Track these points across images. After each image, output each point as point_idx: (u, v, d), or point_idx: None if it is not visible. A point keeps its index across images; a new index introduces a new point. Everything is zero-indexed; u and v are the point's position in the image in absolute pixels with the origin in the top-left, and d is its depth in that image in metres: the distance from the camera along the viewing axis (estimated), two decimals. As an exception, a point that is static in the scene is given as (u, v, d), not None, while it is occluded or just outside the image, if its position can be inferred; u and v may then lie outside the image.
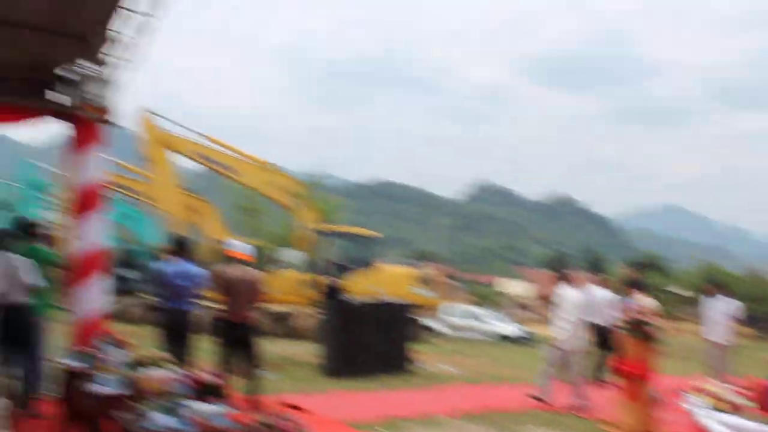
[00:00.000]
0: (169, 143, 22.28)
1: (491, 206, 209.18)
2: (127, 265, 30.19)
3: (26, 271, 7.98)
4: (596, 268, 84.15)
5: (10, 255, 8.00)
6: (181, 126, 22.90)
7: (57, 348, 8.17)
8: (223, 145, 22.98)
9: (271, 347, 14.62)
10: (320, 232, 22.18)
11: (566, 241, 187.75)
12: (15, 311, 7.86)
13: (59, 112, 8.40)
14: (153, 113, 22.61)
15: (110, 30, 7.30)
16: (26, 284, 7.96)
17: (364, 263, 23.02)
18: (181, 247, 9.23)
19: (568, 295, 10.92)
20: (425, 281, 24.56)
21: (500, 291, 73.39)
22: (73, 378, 6.75)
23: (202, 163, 22.93)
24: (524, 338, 30.96)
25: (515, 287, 74.34)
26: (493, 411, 10.28)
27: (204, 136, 22.82)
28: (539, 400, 11.00)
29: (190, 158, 22.76)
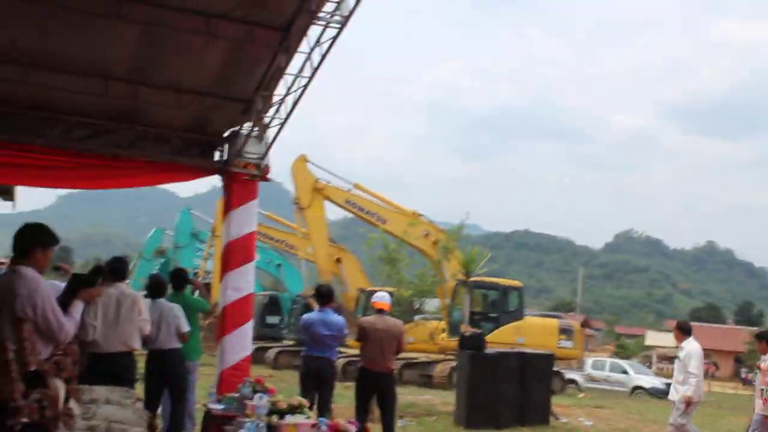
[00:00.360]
0: (322, 190, 23.09)
1: (634, 255, 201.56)
2: (271, 312, 31.24)
3: (178, 317, 8.42)
4: (750, 320, 79.12)
5: (164, 302, 8.49)
6: (333, 174, 23.68)
7: (203, 391, 8.57)
8: (371, 194, 23.59)
9: (407, 395, 14.67)
10: (461, 282, 22.16)
11: (715, 291, 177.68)
12: (165, 356, 8.31)
13: (219, 169, 8.97)
14: (307, 161, 23.48)
15: (269, 93, 7.83)
16: (177, 330, 8.39)
17: (505, 313, 22.76)
18: (325, 296, 9.46)
19: (693, 349, 10.30)
20: (567, 332, 24.01)
21: (645, 343, 70.35)
22: (217, 421, 7.00)
23: (351, 211, 23.61)
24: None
25: (661, 339, 71.04)
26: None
27: (353, 184, 23.56)
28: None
29: (341, 206, 23.50)
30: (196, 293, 9.95)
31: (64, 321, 4.58)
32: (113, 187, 9.72)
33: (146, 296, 8.30)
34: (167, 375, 8.31)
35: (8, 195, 12.05)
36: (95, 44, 6.96)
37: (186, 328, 8.46)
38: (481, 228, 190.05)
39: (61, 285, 8.79)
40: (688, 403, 10.08)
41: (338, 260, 26.20)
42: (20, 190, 12.11)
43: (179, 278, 9.29)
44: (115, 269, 7.46)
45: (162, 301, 8.48)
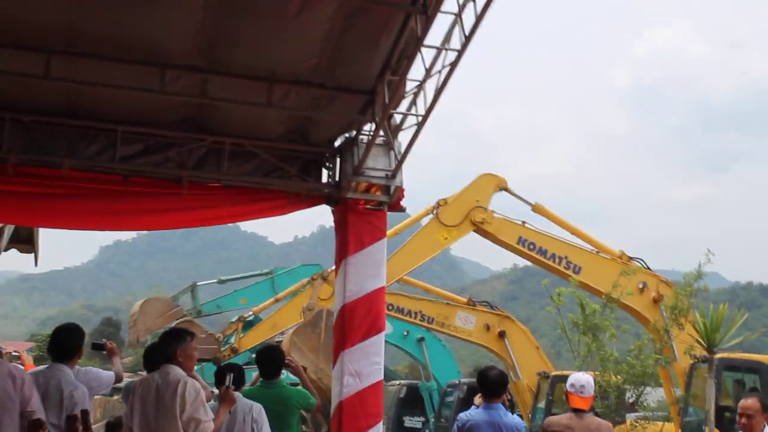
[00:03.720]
0: (482, 223, 22.77)
1: None
2: (411, 410, 31.21)
3: (260, 422, 8.37)
4: None
5: (241, 399, 8.45)
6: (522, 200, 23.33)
7: None
8: (560, 223, 23.23)
9: None
10: (700, 360, 21.30)
11: None
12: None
13: (328, 196, 9.08)
14: (504, 187, 23.22)
15: (401, 78, 7.76)
16: None
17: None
18: (494, 385, 9.22)
19: None
20: None
21: None
22: None
23: (525, 255, 23.24)
24: None
25: None
26: None
27: (532, 205, 23.18)
28: None
29: (510, 247, 23.15)
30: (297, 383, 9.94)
31: None
32: (176, 226, 9.93)
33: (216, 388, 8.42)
34: None
35: (28, 246, 12.27)
36: (143, 18, 7.09)
37: None
38: (724, 278, 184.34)
39: (102, 372, 9.08)
40: None
41: (501, 334, 25.91)
42: (46, 238, 12.37)
43: (271, 359, 9.31)
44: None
45: (236, 396, 8.43)
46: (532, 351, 26.43)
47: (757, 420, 8.69)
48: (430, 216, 22.66)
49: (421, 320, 27.36)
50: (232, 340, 25.92)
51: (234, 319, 27.08)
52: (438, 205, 22.55)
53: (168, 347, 7.64)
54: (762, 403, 8.84)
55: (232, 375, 8.01)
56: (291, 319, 25.90)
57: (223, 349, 24.99)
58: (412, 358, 33.93)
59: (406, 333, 30.57)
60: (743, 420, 8.73)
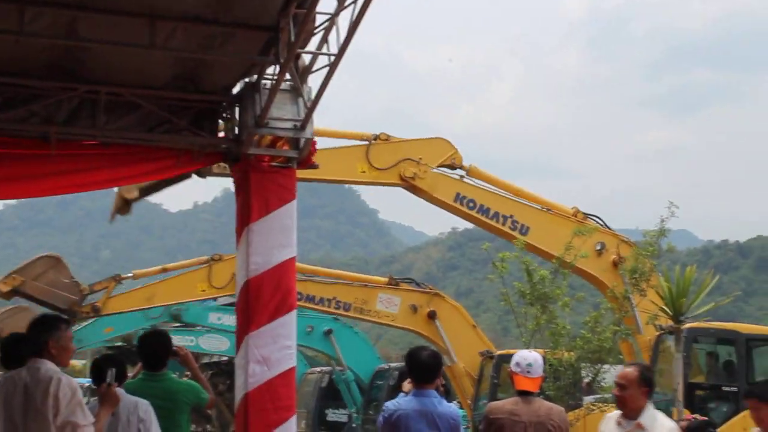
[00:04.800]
0: (413, 178, 22.61)
1: None
2: (336, 400, 31.32)
3: (148, 422, 8.28)
4: None
5: (124, 396, 8.30)
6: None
7: None
8: (499, 184, 23.24)
9: None
10: (667, 331, 21.46)
11: None
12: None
13: (226, 152, 9.00)
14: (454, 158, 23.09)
15: (309, 11, 7.65)
16: None
17: (752, 385, 22.05)
18: (425, 369, 9.17)
19: None
20: None
21: None
22: None
23: (466, 215, 23.21)
24: None
25: None
26: None
27: (467, 167, 23.10)
28: None
29: (447, 206, 23.09)
30: (186, 375, 9.86)
31: None
32: (45, 193, 9.78)
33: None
34: None
35: None
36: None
37: None
38: (696, 236, 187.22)
39: None
40: None
41: (430, 315, 26.02)
42: None
43: (156, 347, 9.18)
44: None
45: (121, 393, 8.29)
46: (467, 330, 26.57)
47: (630, 392, 8.56)
48: (363, 143, 22.46)
49: (336, 308, 27.12)
50: (99, 297, 25.53)
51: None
52: (376, 137, 22.34)
53: (37, 337, 7.42)
54: (642, 375, 8.70)
55: (114, 370, 7.79)
56: (172, 295, 26.22)
57: (83, 304, 24.57)
58: (324, 355, 33.95)
59: (309, 329, 30.35)
60: (615, 390, 8.70)
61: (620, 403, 8.74)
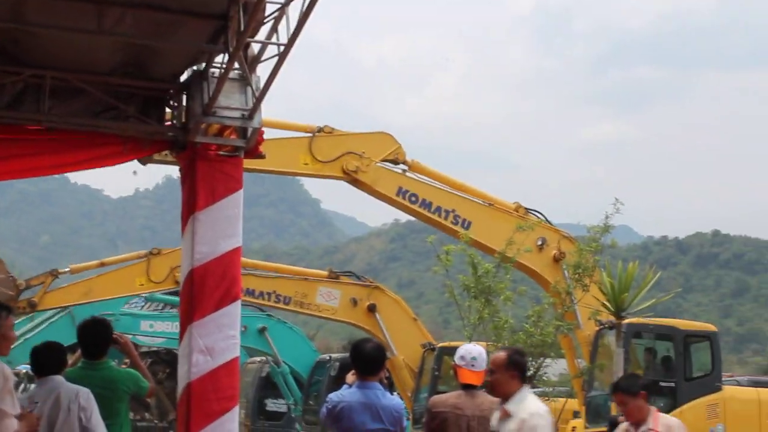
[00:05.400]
0: (356, 171, 22.55)
1: None
2: (276, 390, 31.26)
3: (87, 409, 8.20)
4: None
5: (65, 384, 8.28)
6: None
7: None
8: (442, 179, 23.28)
9: None
10: (607, 326, 21.57)
11: None
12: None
13: (172, 140, 8.92)
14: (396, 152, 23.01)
15: (260, 1, 7.59)
16: None
17: (689, 380, 22.23)
18: (369, 360, 9.19)
19: None
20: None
21: None
22: None
23: (408, 209, 23.23)
24: None
25: None
26: None
27: (408, 162, 23.09)
28: None
29: (390, 200, 23.10)
30: (125, 363, 9.78)
31: None
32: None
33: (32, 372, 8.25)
34: None
35: None
36: None
37: (94, 426, 8.23)
38: (636, 232, 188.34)
39: None
40: None
41: (370, 308, 26.05)
42: None
43: (93, 336, 9.09)
44: None
45: (58, 380, 8.30)
46: (407, 323, 26.70)
47: (498, 376, 8.46)
48: (307, 135, 22.40)
49: (276, 301, 27.12)
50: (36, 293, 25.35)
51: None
52: (319, 129, 22.33)
53: None
54: (510, 358, 8.59)
55: None
56: (110, 290, 25.88)
57: (20, 299, 24.41)
58: (260, 353, 33.82)
59: (243, 329, 30.14)
60: (488, 376, 8.65)
61: (489, 387, 8.71)
